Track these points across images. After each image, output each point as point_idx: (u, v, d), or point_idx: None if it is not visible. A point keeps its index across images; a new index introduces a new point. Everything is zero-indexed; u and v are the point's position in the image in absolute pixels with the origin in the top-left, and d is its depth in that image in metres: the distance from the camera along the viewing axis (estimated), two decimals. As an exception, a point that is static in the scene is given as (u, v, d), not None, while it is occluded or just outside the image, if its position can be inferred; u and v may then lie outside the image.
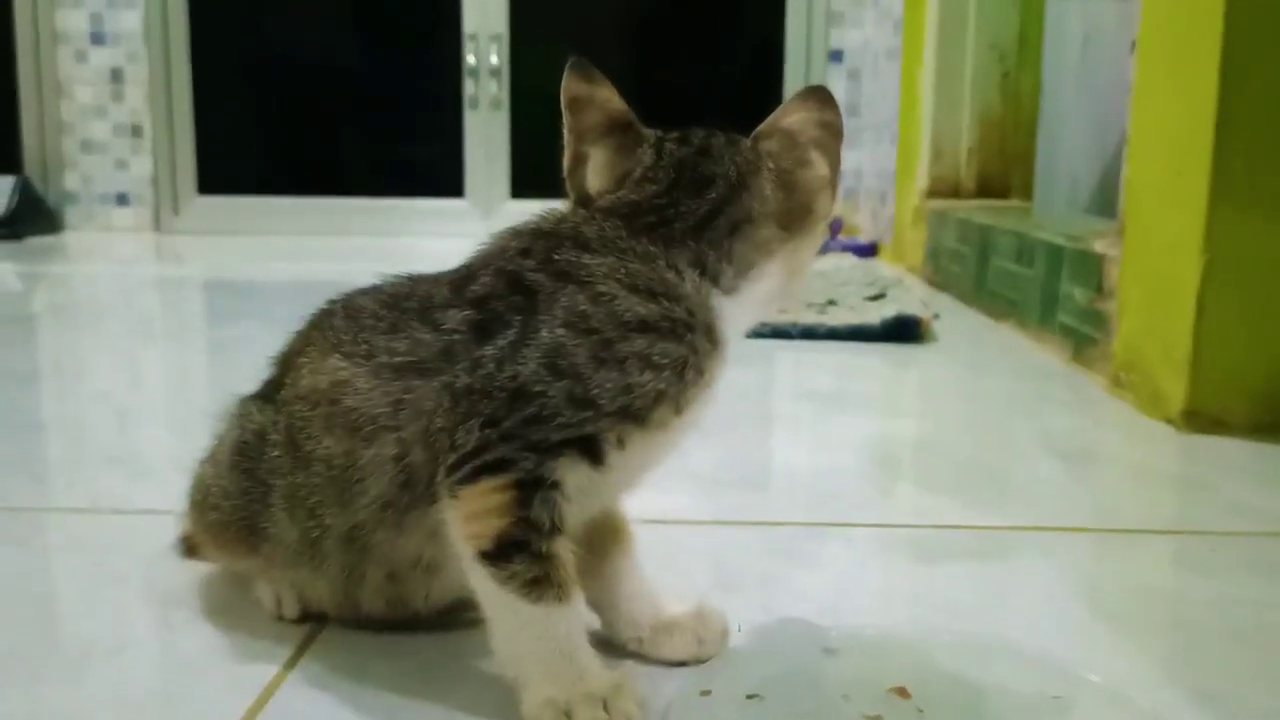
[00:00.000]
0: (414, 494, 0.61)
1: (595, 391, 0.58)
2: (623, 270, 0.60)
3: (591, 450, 0.59)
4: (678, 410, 0.60)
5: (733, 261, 0.64)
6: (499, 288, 0.62)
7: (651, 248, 0.62)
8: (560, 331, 0.58)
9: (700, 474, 1.05)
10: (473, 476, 0.57)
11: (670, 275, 0.62)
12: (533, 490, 0.57)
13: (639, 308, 0.59)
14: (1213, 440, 1.20)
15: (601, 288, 0.59)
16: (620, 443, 0.59)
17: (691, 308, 0.61)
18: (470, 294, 0.62)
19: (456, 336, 0.61)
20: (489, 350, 0.59)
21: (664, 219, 0.64)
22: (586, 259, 0.61)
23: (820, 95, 0.66)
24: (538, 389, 0.58)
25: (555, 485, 0.58)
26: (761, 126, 0.67)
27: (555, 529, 0.58)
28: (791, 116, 0.66)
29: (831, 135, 0.66)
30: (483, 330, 0.60)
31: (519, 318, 0.60)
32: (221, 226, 3.58)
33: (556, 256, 0.61)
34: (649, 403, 0.59)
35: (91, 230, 3.56)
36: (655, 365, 0.59)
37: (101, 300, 2.32)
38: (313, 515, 0.65)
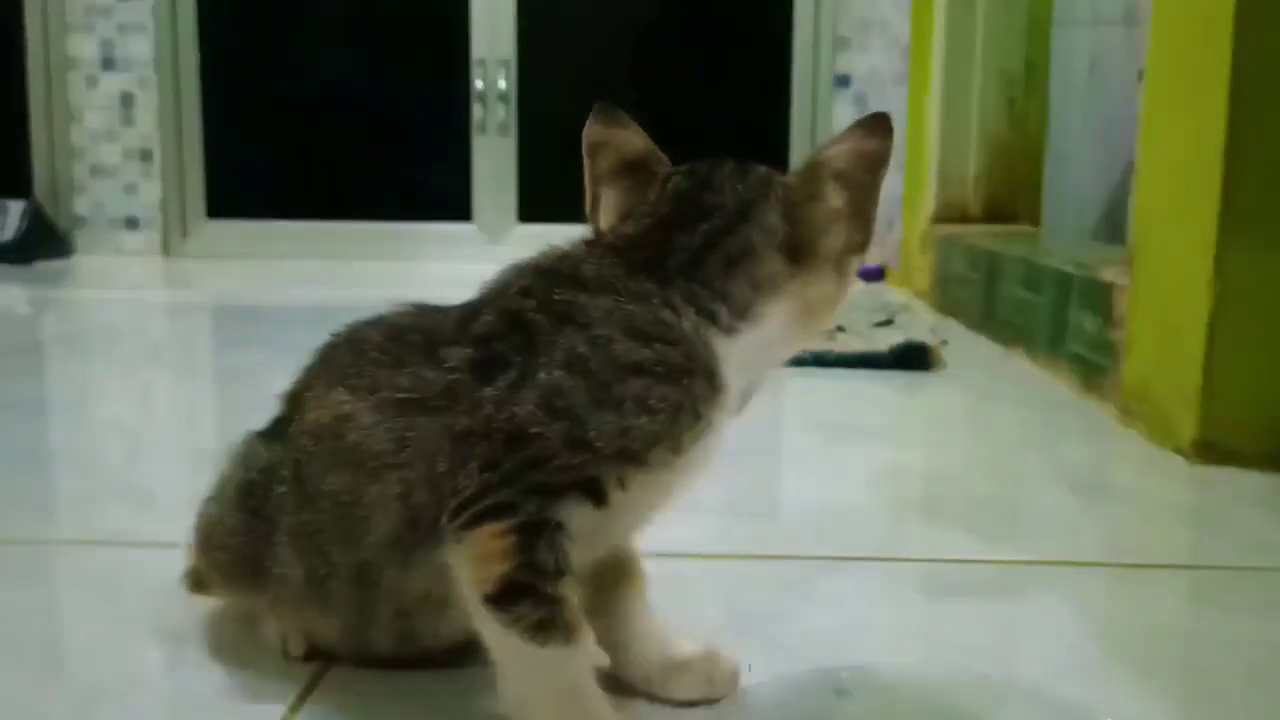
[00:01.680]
0: (419, 533, 0.60)
1: (593, 434, 0.57)
2: (619, 312, 0.59)
3: (594, 491, 0.58)
4: (675, 451, 0.59)
5: (728, 299, 0.62)
6: (500, 327, 0.61)
7: (647, 285, 0.61)
8: (558, 373, 0.58)
9: (711, 506, 1.04)
10: (475, 521, 0.57)
11: (667, 315, 0.60)
12: (536, 533, 0.56)
13: (634, 353, 0.58)
14: (1224, 472, 1.19)
15: (598, 331, 0.59)
16: (622, 484, 0.58)
17: (689, 350, 0.59)
18: (473, 332, 0.62)
19: (458, 375, 0.60)
20: (489, 392, 0.59)
21: (657, 254, 0.62)
22: (584, 299, 0.60)
23: (869, 124, 0.64)
24: (535, 431, 0.57)
25: (559, 527, 0.57)
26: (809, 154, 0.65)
27: (560, 571, 0.57)
28: (835, 146, 0.64)
29: (863, 166, 0.63)
30: (483, 370, 0.59)
31: (519, 358, 0.59)
32: (230, 251, 3.59)
33: (556, 296, 0.60)
34: (646, 445, 0.58)
35: (101, 254, 3.57)
36: (651, 409, 0.57)
37: (110, 326, 2.32)
38: (320, 553, 0.64)
